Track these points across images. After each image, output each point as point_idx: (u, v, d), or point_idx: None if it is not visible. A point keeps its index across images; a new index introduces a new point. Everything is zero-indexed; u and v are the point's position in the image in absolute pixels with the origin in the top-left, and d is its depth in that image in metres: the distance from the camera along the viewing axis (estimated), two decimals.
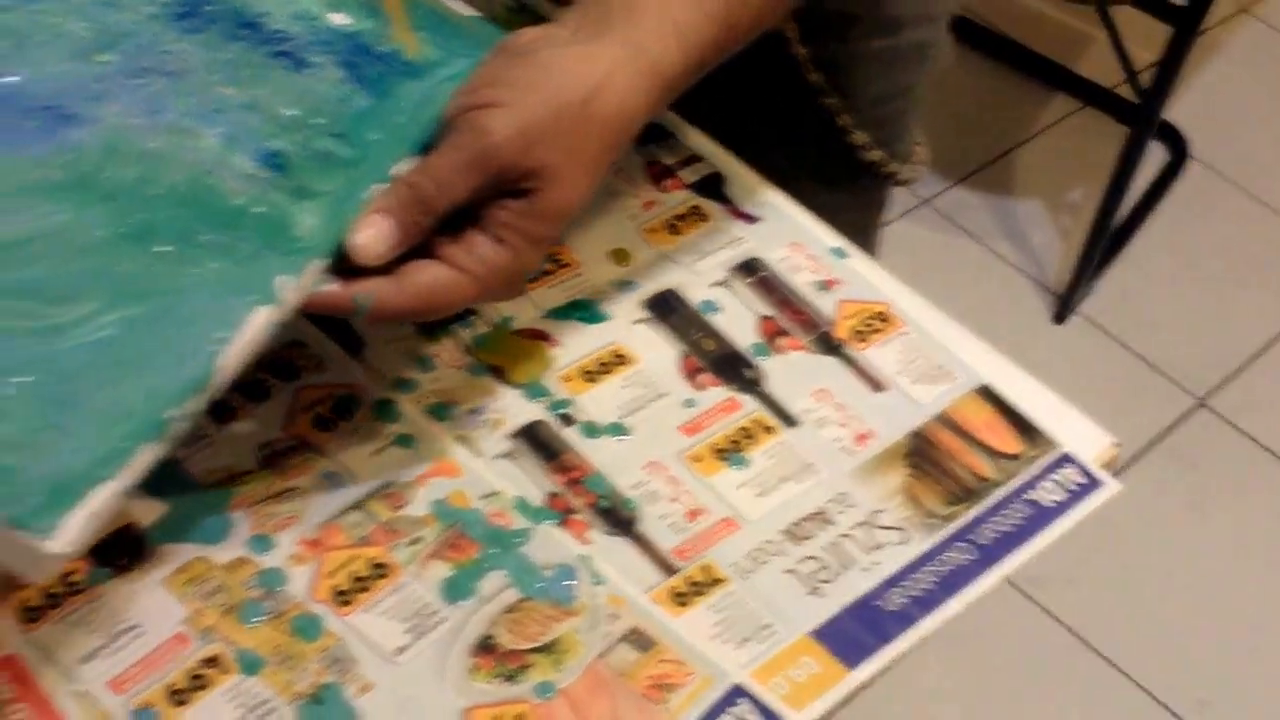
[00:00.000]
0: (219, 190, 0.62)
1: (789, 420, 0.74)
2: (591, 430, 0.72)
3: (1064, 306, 2.09)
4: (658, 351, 0.76)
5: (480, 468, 0.70)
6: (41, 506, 0.53)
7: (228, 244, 0.60)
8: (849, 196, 0.95)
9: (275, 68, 0.66)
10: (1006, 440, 0.75)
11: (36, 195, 0.60)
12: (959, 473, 0.73)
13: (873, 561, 0.69)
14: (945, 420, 0.75)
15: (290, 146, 0.64)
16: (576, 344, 0.76)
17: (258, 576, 0.65)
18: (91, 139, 0.62)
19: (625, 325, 0.77)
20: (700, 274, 0.79)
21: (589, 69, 0.65)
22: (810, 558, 0.69)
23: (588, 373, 0.74)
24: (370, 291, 0.62)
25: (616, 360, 0.75)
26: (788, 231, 0.82)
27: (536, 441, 0.71)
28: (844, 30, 0.91)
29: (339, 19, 0.68)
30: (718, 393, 0.74)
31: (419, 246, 0.63)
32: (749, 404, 0.74)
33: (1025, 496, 0.73)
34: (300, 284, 0.61)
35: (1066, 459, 0.74)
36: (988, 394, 0.76)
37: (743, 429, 0.73)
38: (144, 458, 0.56)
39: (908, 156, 0.98)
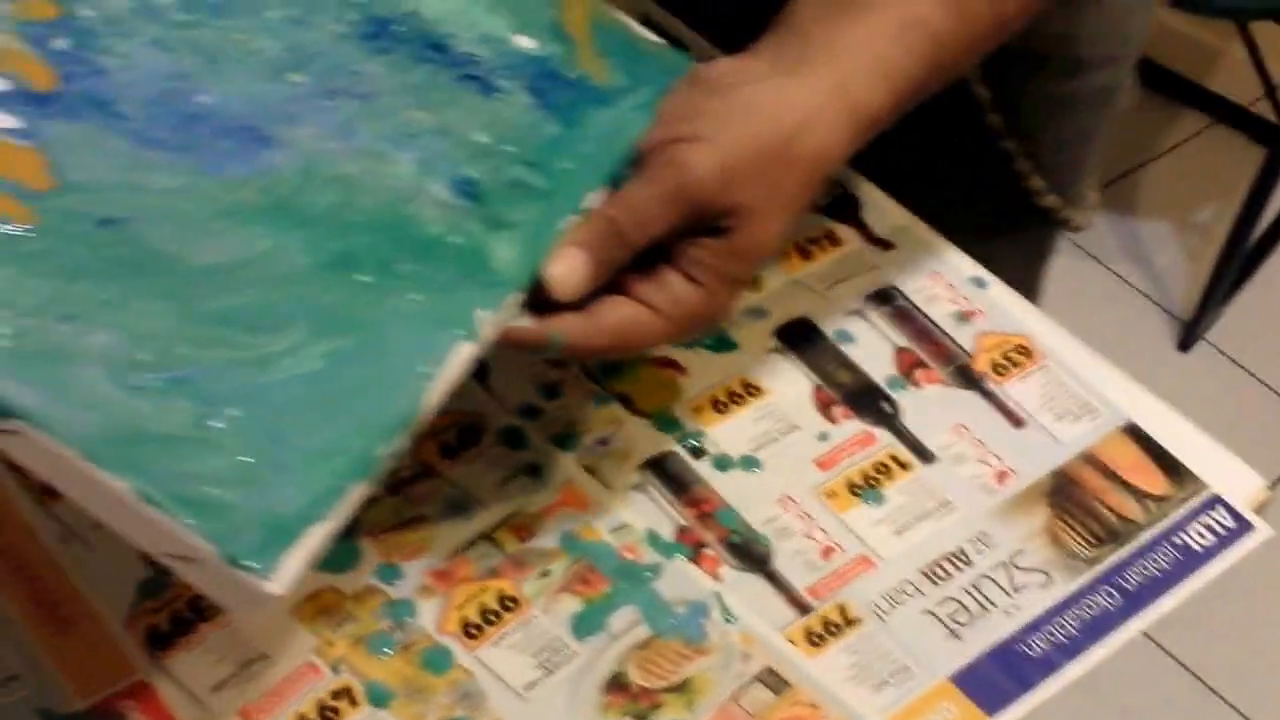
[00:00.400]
0: (415, 218, 0.61)
1: (926, 456, 0.73)
2: (723, 463, 0.72)
3: (1190, 333, 2.06)
4: (790, 383, 0.75)
5: (609, 499, 0.70)
6: (260, 545, 0.52)
7: (426, 275, 0.60)
8: (1017, 243, 0.94)
9: (464, 92, 0.65)
10: (1153, 480, 0.73)
11: (236, 219, 0.59)
12: (1103, 514, 0.72)
13: (1014, 605, 0.68)
14: (1089, 459, 0.74)
15: (483, 174, 0.63)
16: (705, 373, 0.75)
17: (387, 607, 0.65)
18: (287, 162, 0.61)
19: (756, 354, 0.76)
20: (833, 302, 0.79)
21: (791, 107, 0.64)
22: (949, 599, 0.68)
23: (718, 403, 0.74)
24: (564, 329, 0.62)
25: (747, 391, 0.75)
26: (925, 259, 0.81)
27: (666, 473, 0.71)
28: (1029, 72, 0.89)
29: (525, 42, 0.67)
30: (852, 426, 0.74)
31: (610, 282, 0.63)
32: (884, 438, 0.74)
33: (1172, 540, 0.71)
34: (498, 318, 0.60)
35: (1216, 501, 0.73)
36: (1134, 432, 0.75)
37: (878, 464, 0.72)
38: (355, 496, 0.55)
39: (1081, 201, 0.96)
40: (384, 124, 0.63)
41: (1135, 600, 0.69)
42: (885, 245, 0.82)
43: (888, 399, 0.75)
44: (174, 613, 0.64)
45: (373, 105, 0.63)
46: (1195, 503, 0.73)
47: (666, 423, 0.73)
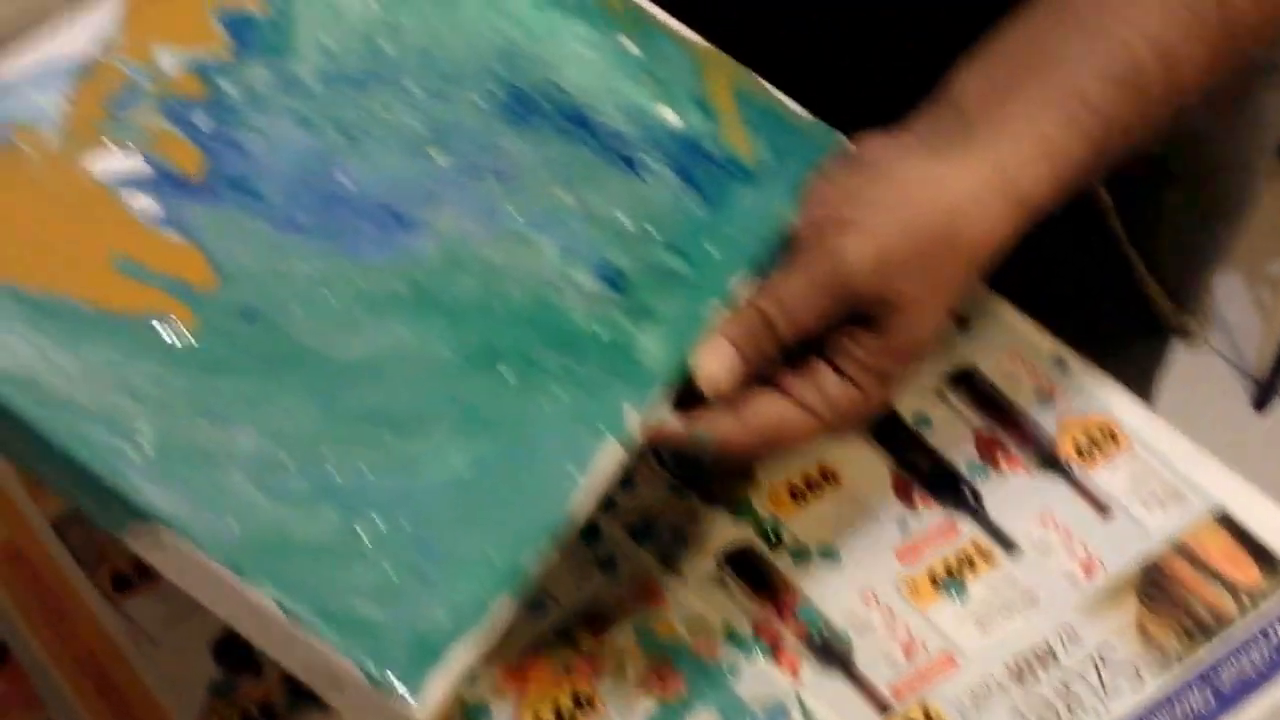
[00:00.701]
0: (560, 309, 0.60)
1: (1009, 546, 0.72)
2: (801, 554, 0.71)
3: (1265, 392, 2.03)
4: (868, 467, 0.74)
5: (685, 593, 0.69)
6: (405, 665, 0.50)
7: (572, 369, 0.58)
8: (1132, 350, 0.92)
9: (607, 169, 0.64)
10: (1246, 571, 0.72)
11: (379, 309, 0.58)
12: (1195, 608, 0.70)
13: (1103, 705, 0.67)
14: (1180, 549, 0.72)
15: (628, 261, 0.62)
16: (782, 459, 0.74)
17: (461, 712, 0.64)
18: (431, 247, 0.60)
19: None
20: (910, 383, 0.78)
21: (950, 192, 0.62)
22: (1036, 697, 0.67)
23: (795, 491, 0.73)
24: (714, 428, 0.60)
25: (824, 477, 0.74)
26: (1003, 338, 0.80)
27: (744, 566, 0.70)
28: (1155, 179, 0.86)
29: (669, 115, 0.66)
30: (933, 514, 0.73)
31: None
32: (966, 528, 0.72)
33: (1267, 635, 0.70)
34: (645, 416, 0.59)
35: None
36: (1225, 520, 0.73)
37: (962, 555, 0.71)
38: (501, 611, 0.53)
39: (1198, 309, 0.94)
40: (526, 204, 0.62)
41: (1229, 700, 0.68)
42: (960, 323, 0.80)
43: (969, 485, 0.74)
44: (245, 714, 0.63)
45: (514, 184, 0.62)
46: None
47: (743, 511, 0.72)
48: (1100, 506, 0.74)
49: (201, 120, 0.60)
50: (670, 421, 0.60)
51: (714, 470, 0.72)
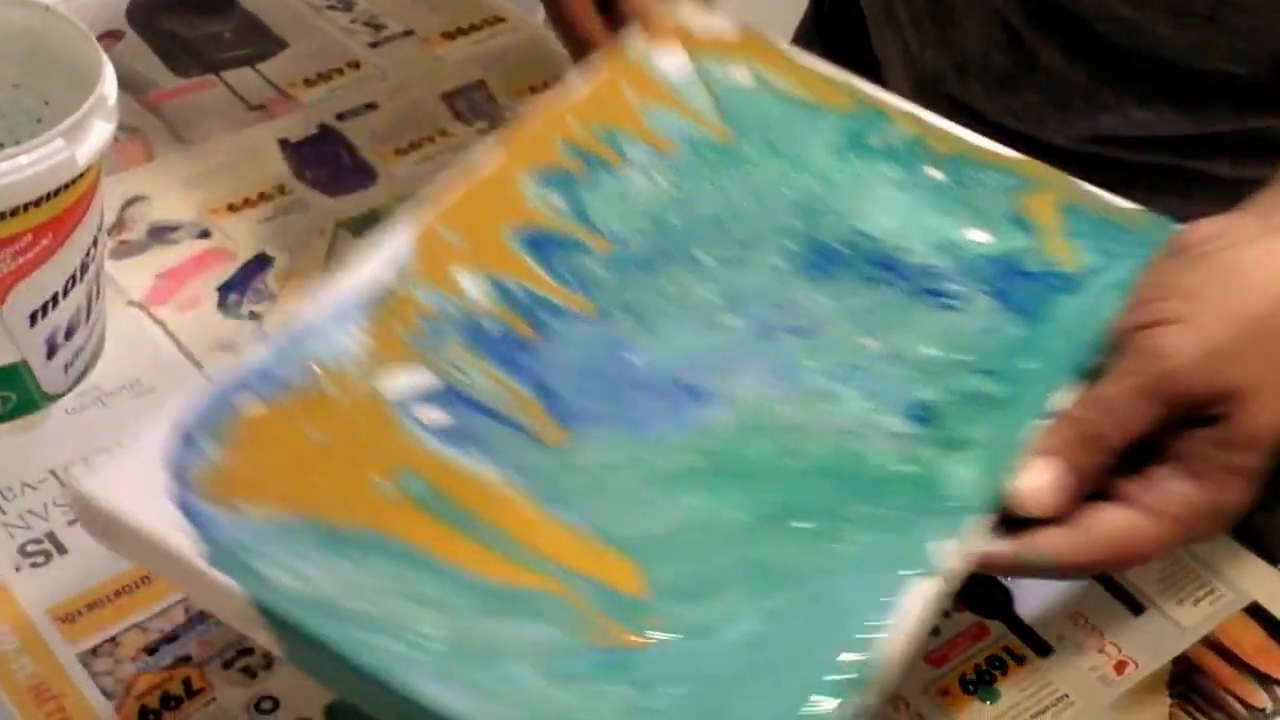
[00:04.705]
0: (863, 456, 0.62)
1: (1041, 647, 0.78)
2: None
3: None
4: None
5: None
6: None
7: (873, 513, 0.60)
8: None
9: (917, 307, 0.66)
10: (1279, 664, 0.78)
11: (670, 486, 0.60)
12: (1228, 702, 0.76)
13: None
14: (1211, 643, 0.78)
15: (936, 393, 0.64)
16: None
17: None
18: (724, 417, 0.63)
19: None
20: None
21: (1276, 268, 0.62)
22: None
23: None
24: (1050, 547, 0.61)
25: None
26: None
27: None
28: None
29: (983, 238, 0.69)
30: (964, 618, 0.79)
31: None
32: (997, 629, 0.78)
33: None
34: (963, 547, 0.60)
35: None
36: (1257, 612, 0.79)
37: (992, 657, 0.77)
38: None
39: None
40: (827, 357, 0.65)
41: None
42: None
43: (1001, 587, 0.80)
44: None
45: (814, 338, 0.65)
46: None
47: None
48: (1132, 604, 0.79)
49: (498, 335, 0.64)
50: (999, 545, 0.62)
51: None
